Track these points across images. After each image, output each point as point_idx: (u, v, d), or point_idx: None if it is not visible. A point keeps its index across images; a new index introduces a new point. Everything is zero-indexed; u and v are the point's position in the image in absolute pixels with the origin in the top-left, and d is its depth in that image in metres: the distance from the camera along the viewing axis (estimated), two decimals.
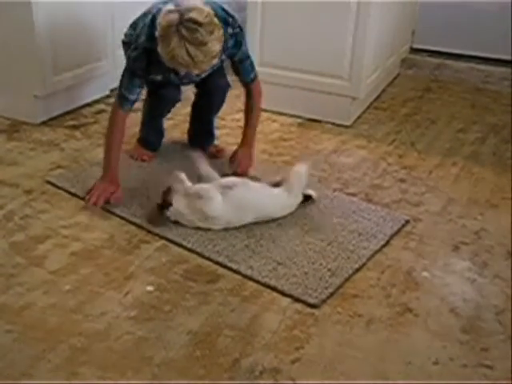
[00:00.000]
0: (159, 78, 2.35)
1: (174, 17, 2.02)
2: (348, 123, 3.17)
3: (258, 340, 1.69)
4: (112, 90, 3.30)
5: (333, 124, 3.17)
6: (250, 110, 2.53)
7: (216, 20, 2.06)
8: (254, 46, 3.19)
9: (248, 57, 2.40)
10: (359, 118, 3.29)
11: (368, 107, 3.44)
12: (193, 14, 2.00)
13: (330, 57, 3.06)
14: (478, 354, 1.68)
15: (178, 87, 2.57)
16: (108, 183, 2.30)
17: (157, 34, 2.07)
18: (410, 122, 3.28)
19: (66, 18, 2.92)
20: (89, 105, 3.25)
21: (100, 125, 3.00)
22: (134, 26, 2.37)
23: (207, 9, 2.06)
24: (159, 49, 2.08)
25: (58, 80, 2.99)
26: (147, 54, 2.21)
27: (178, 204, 2.13)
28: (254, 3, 3.13)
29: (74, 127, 3.00)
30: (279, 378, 1.57)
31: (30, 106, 2.97)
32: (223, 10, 2.23)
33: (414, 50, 4.51)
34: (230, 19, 2.24)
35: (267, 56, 3.19)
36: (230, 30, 2.22)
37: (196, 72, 2.15)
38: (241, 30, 2.31)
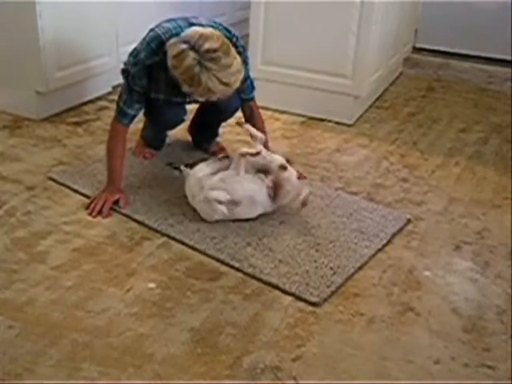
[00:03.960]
0: (161, 97, 2.31)
1: (191, 56, 1.99)
2: (350, 122, 3.17)
3: (259, 338, 1.69)
4: (114, 87, 3.30)
5: (335, 122, 3.17)
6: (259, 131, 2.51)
7: (225, 38, 2.06)
8: (257, 44, 3.20)
9: (249, 75, 2.39)
10: (361, 116, 3.29)
11: (370, 106, 3.43)
12: (207, 45, 1.99)
13: (333, 55, 3.06)
14: (480, 354, 1.68)
15: (182, 106, 2.48)
16: (109, 193, 2.26)
17: (177, 74, 2.04)
18: (412, 122, 3.28)
19: (70, 14, 2.91)
20: (91, 101, 3.25)
21: (102, 122, 3.00)
22: (133, 53, 2.29)
23: (212, 30, 2.06)
24: (185, 89, 2.07)
25: (61, 76, 2.98)
26: (148, 71, 2.20)
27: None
28: (257, 2, 3.13)
29: (77, 124, 3.00)
30: (280, 376, 1.58)
31: (33, 102, 2.97)
32: (225, 28, 2.22)
33: (416, 50, 4.51)
34: (234, 38, 2.22)
35: (270, 54, 3.20)
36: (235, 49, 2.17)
37: (229, 93, 2.12)
38: (243, 48, 2.29)
